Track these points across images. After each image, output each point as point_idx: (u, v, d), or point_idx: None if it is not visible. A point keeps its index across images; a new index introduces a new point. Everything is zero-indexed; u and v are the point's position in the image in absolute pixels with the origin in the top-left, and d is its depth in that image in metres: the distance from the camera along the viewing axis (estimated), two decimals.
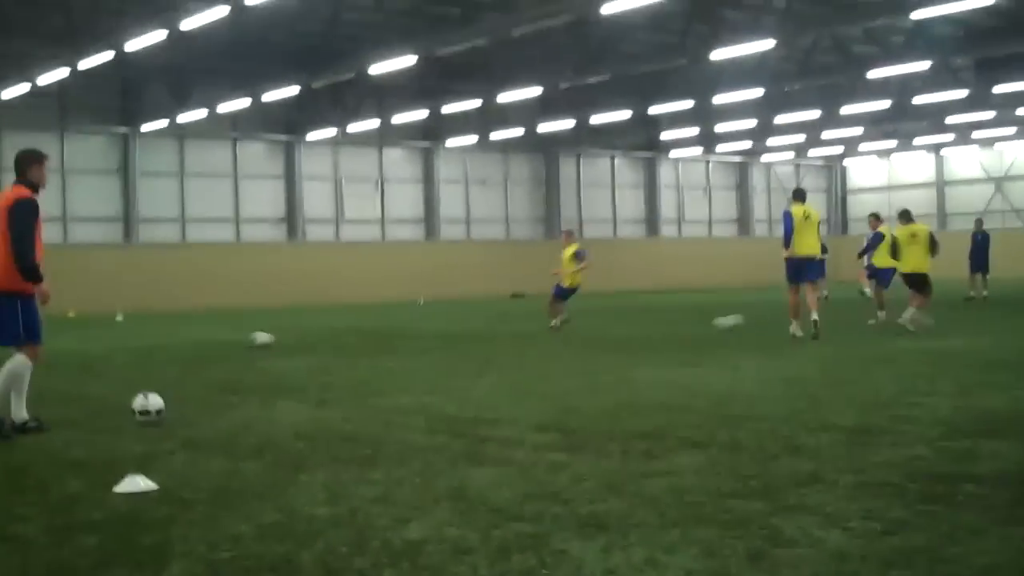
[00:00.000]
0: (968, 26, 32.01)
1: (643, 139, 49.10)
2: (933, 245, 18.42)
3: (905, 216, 19.22)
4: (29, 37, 30.01)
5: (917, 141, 51.13)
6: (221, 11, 22.35)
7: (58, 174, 35.88)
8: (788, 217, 16.76)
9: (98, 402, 10.82)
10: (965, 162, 55.30)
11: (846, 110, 39.89)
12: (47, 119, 36.56)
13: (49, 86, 31.58)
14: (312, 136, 41.57)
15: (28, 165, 8.86)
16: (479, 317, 27.00)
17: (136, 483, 6.32)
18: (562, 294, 21.08)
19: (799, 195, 17.37)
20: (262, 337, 18.01)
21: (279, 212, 42.74)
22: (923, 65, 31.61)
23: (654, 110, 39.46)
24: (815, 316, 16.26)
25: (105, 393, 11.70)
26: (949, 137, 50.37)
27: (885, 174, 58.76)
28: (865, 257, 21.58)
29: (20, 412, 8.67)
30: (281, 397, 10.78)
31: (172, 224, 40.37)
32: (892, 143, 52.57)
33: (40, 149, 9.20)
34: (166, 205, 40.09)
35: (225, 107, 34.73)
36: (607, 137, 47.90)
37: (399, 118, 38.52)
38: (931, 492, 5.70)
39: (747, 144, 49.74)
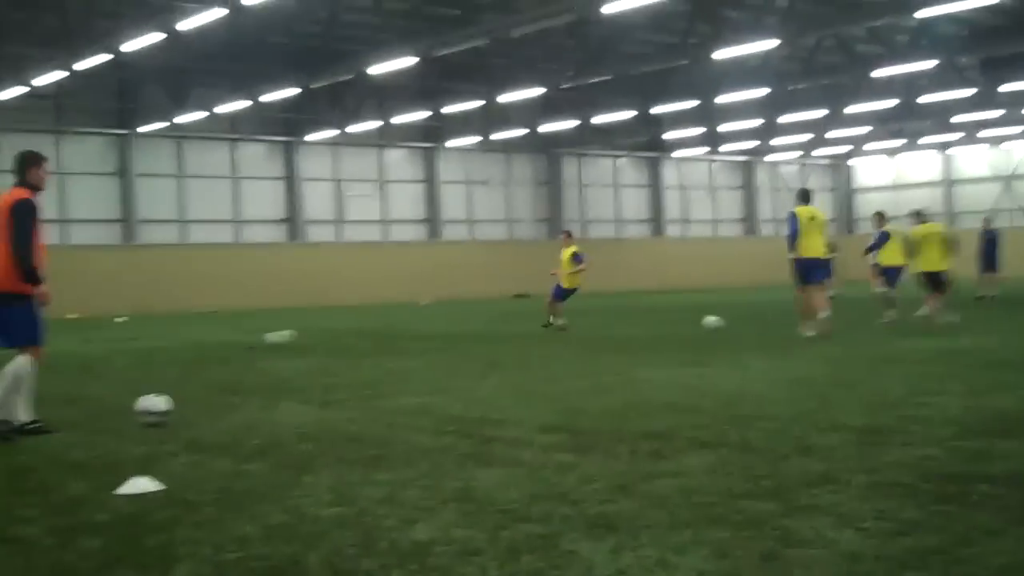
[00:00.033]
0: (973, 25, 32.01)
1: (646, 139, 49.13)
2: (951, 243, 18.48)
3: (919, 215, 19.20)
4: (25, 39, 30.05)
5: (923, 140, 51.16)
6: (219, 12, 22.38)
7: (55, 176, 35.90)
8: (793, 219, 16.76)
9: (99, 404, 10.82)
10: (972, 161, 55.32)
11: (851, 109, 39.92)
12: (43, 121, 36.61)
13: (45, 88, 31.61)
14: (312, 137, 41.62)
15: (28, 167, 8.88)
16: (482, 318, 26.99)
17: (140, 485, 6.31)
18: (561, 295, 21.11)
19: (804, 196, 17.36)
20: (279, 336, 18.14)
21: (279, 213, 42.78)
22: (928, 64, 31.62)
23: (657, 110, 39.50)
24: (824, 314, 16.31)
25: (106, 394, 11.70)
26: (956, 136, 50.40)
27: (892, 173, 58.80)
28: (871, 255, 21.54)
29: (23, 414, 8.66)
30: (284, 398, 10.78)
31: (171, 226, 40.42)
32: (899, 142, 52.59)
33: (38, 151, 9.22)
34: (165, 207, 40.14)
35: (224, 108, 34.76)
36: (610, 137, 47.92)
37: (400, 119, 38.56)
38: (944, 492, 5.67)
39: (752, 144, 49.76)
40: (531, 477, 6.40)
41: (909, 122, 45.91)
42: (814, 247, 16.78)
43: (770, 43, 28.12)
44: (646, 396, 10.00)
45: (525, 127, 41.70)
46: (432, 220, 46.43)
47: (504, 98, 34.46)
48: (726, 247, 54.53)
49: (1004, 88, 36.17)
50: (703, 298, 35.81)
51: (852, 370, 11.87)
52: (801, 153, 55.78)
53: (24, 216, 8.57)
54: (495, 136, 43.19)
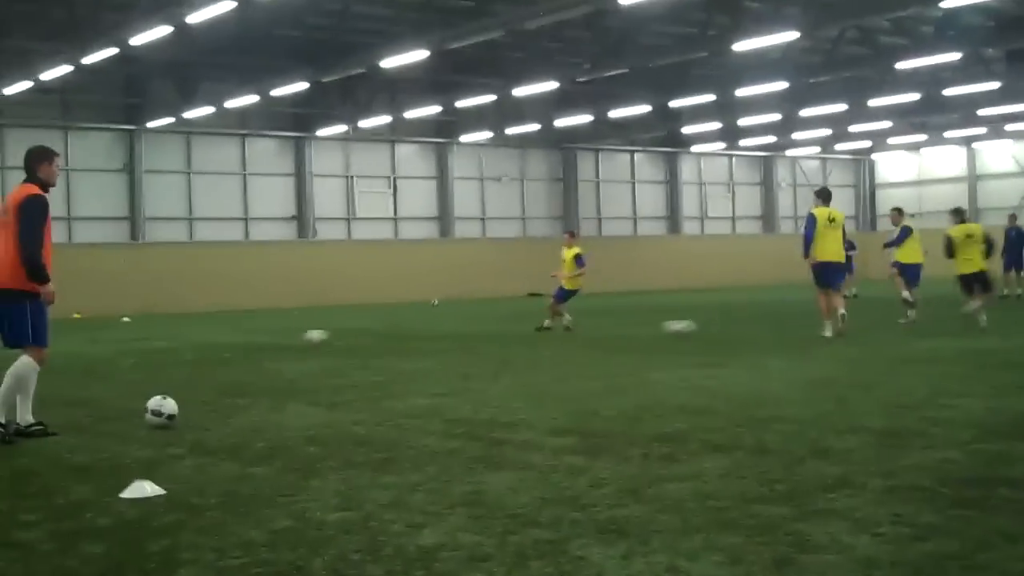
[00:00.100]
0: (999, 16, 31.84)
1: (664, 134, 49.03)
2: (989, 244, 18.40)
3: (958, 214, 19.06)
4: (31, 33, 30.13)
5: (948, 134, 50.92)
6: (228, 5, 22.39)
7: (62, 173, 35.95)
8: (811, 221, 16.73)
9: (104, 406, 10.86)
10: (997, 156, 55.07)
11: (874, 103, 39.76)
12: (50, 116, 36.72)
13: (52, 83, 31.71)
14: (322, 132, 41.65)
15: (38, 163, 8.91)
16: (495, 317, 27.01)
17: (143, 489, 6.34)
18: (563, 296, 21.05)
19: (824, 196, 17.32)
20: (316, 335, 18.24)
21: (289, 210, 42.83)
22: (953, 56, 31.49)
23: (675, 104, 39.43)
24: (842, 311, 16.34)
25: (111, 397, 11.75)
26: (981, 130, 50.15)
27: (915, 168, 58.56)
28: (889, 252, 21.35)
29: (25, 416, 8.71)
30: (292, 400, 10.81)
31: (179, 223, 40.50)
32: (922, 136, 52.36)
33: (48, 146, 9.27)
34: (173, 204, 40.22)
35: (233, 103, 34.82)
36: (626, 132, 47.83)
37: (412, 113, 38.56)
38: (964, 496, 5.67)
39: (771, 138, 49.60)
40: (541, 481, 6.41)
41: (933, 116, 45.70)
42: (833, 250, 16.75)
43: (791, 35, 28.01)
44: (660, 398, 10.01)
45: (540, 122, 41.64)
46: (444, 217, 46.42)
47: (519, 92, 34.42)
48: (744, 245, 54.38)
49: None
50: (720, 297, 35.77)
51: (871, 371, 11.86)
52: (822, 148, 55.59)
53: (34, 213, 8.61)
54: (509, 131, 43.13)
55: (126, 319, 30.93)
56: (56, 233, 9.10)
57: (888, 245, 21.15)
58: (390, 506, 5.87)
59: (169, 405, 9.11)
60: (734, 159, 56.02)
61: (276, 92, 33.25)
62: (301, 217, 42.89)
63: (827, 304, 16.65)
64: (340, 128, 40.70)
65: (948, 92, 38.35)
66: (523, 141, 46.89)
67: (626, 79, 35.99)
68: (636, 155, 52.51)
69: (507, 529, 5.29)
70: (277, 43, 32.56)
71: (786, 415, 8.63)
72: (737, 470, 6.53)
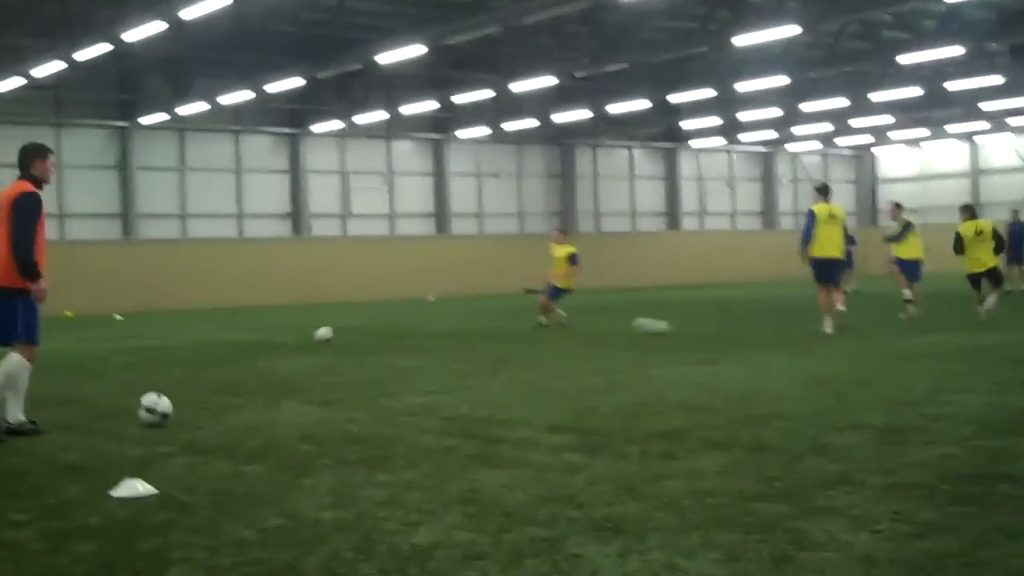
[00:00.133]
0: (1002, 9, 31.84)
1: (663, 129, 49.01)
2: (999, 241, 18.42)
3: (968, 210, 19.03)
4: (22, 28, 30.08)
5: (950, 129, 50.90)
6: (222, 0, 22.37)
7: (54, 169, 35.93)
8: (811, 217, 16.74)
9: (95, 405, 10.85)
10: (1000, 150, 55.06)
11: (876, 97, 39.74)
12: (42, 113, 36.69)
13: (44, 79, 31.64)
14: (318, 129, 41.62)
15: (32, 159, 8.94)
16: (491, 314, 27.01)
17: (135, 487, 6.34)
18: (556, 294, 20.99)
19: (824, 191, 17.32)
20: (323, 333, 18.26)
21: (284, 207, 42.81)
22: (956, 50, 31.45)
23: (674, 99, 39.38)
24: (840, 307, 16.37)
25: (102, 395, 11.74)
26: (984, 125, 50.14)
27: (917, 163, 58.56)
28: (888, 247, 21.26)
29: (16, 414, 8.70)
30: (286, 398, 10.81)
31: (173, 220, 40.48)
32: (924, 131, 52.34)
33: (43, 143, 9.29)
34: (166, 201, 40.19)
35: (227, 99, 34.78)
36: (625, 127, 47.82)
37: (408, 109, 38.53)
38: (964, 493, 5.67)
39: (772, 134, 49.59)
40: (537, 479, 6.42)
41: (935, 110, 45.65)
42: (833, 246, 16.75)
43: (792, 29, 27.97)
44: (659, 394, 10.01)
45: (537, 118, 41.60)
46: (441, 214, 46.40)
47: (516, 87, 34.38)
48: (744, 241, 54.36)
49: None
50: (720, 293, 35.78)
51: (871, 367, 11.87)
52: (823, 143, 55.57)
53: (27, 210, 8.63)
54: (506, 127, 43.10)
55: (118, 317, 30.90)
56: (48, 230, 9.10)
57: (889, 240, 21.05)
58: (384, 504, 5.88)
59: (164, 403, 9.11)
60: (734, 154, 56.02)
61: (271, 88, 33.21)
62: (296, 214, 42.87)
63: (827, 300, 16.66)
64: (335, 124, 40.66)
65: (950, 86, 38.32)
66: (520, 137, 46.89)
67: (625, 74, 35.95)
68: (635, 151, 52.49)
69: (503, 527, 5.29)
70: (272, 39, 32.53)
71: (785, 412, 8.63)
72: (735, 467, 6.54)
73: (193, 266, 38.55)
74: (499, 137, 45.93)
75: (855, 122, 46.83)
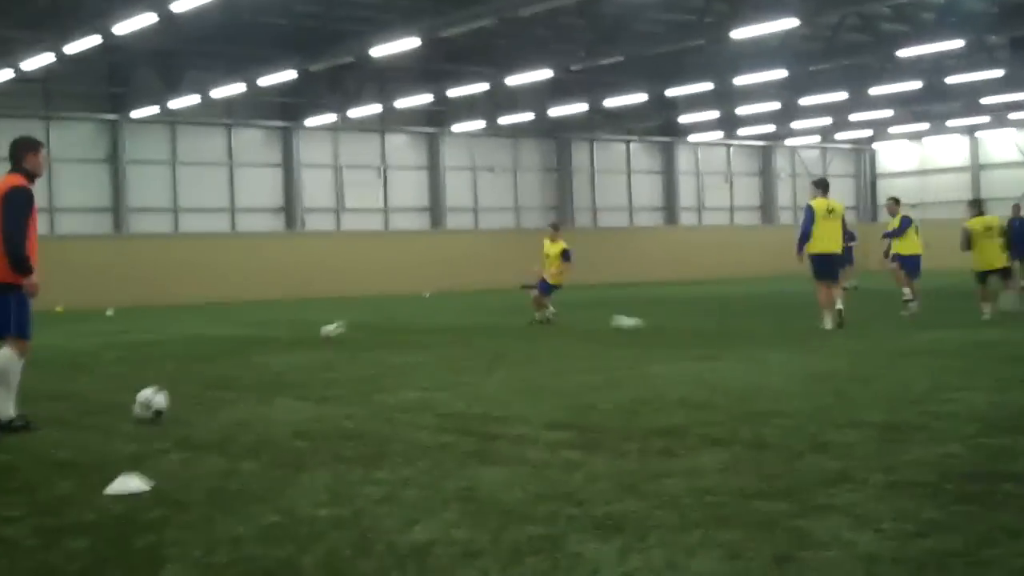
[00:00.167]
0: (1003, 2, 31.86)
1: (660, 123, 49.02)
2: (1007, 237, 18.42)
3: (976, 205, 18.97)
4: (11, 21, 29.99)
5: (950, 123, 50.96)
6: None
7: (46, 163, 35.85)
8: (809, 214, 16.73)
9: (88, 400, 10.86)
10: (1001, 145, 55.12)
11: (875, 91, 39.76)
12: (32, 106, 36.62)
13: (34, 72, 31.60)
14: (311, 122, 41.58)
15: (24, 153, 8.94)
16: (488, 310, 27.01)
17: (128, 484, 6.33)
18: (547, 289, 21.00)
19: (822, 186, 17.30)
20: (331, 329, 18.30)
21: (276, 201, 42.78)
22: (956, 43, 31.49)
23: (671, 92, 39.38)
24: (839, 305, 16.37)
25: (95, 390, 11.75)
26: (984, 119, 50.21)
27: (917, 158, 58.62)
28: (886, 242, 21.21)
29: (7, 410, 8.69)
30: (280, 394, 10.81)
31: (164, 215, 40.43)
32: (924, 125, 52.39)
33: (34, 137, 9.29)
34: (158, 195, 40.15)
35: (219, 92, 34.72)
36: (622, 121, 47.83)
37: (402, 103, 38.48)
38: (966, 492, 5.68)
39: (770, 128, 49.61)
40: (536, 476, 6.42)
41: (935, 104, 45.72)
42: (831, 241, 16.74)
43: (790, 22, 27.97)
44: (658, 391, 10.02)
45: (533, 111, 41.59)
46: (436, 208, 46.39)
47: (511, 81, 34.37)
48: (743, 236, 54.42)
49: None
50: (718, 289, 35.80)
51: (872, 364, 11.88)
52: (822, 137, 55.61)
53: (19, 204, 8.63)
54: (502, 121, 43.08)
55: (110, 312, 30.88)
56: (38, 224, 9.09)
57: (888, 236, 21.00)
58: (381, 501, 5.87)
59: (160, 400, 9.10)
60: (732, 149, 56.05)
61: (263, 81, 33.16)
62: (289, 208, 42.84)
63: (827, 296, 16.66)
64: (329, 118, 40.62)
65: (951, 80, 38.37)
66: (516, 130, 46.86)
67: (621, 67, 35.95)
68: (632, 145, 52.50)
69: (501, 525, 5.29)
70: (264, 31, 32.48)
71: (785, 409, 8.64)
72: (736, 465, 6.54)
73: (185, 261, 38.54)
74: (494, 131, 45.92)
75: (854, 116, 46.88)
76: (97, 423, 9.22)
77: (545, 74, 33.70)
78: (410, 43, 28.21)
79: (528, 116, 42.15)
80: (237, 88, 33.96)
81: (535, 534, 5.09)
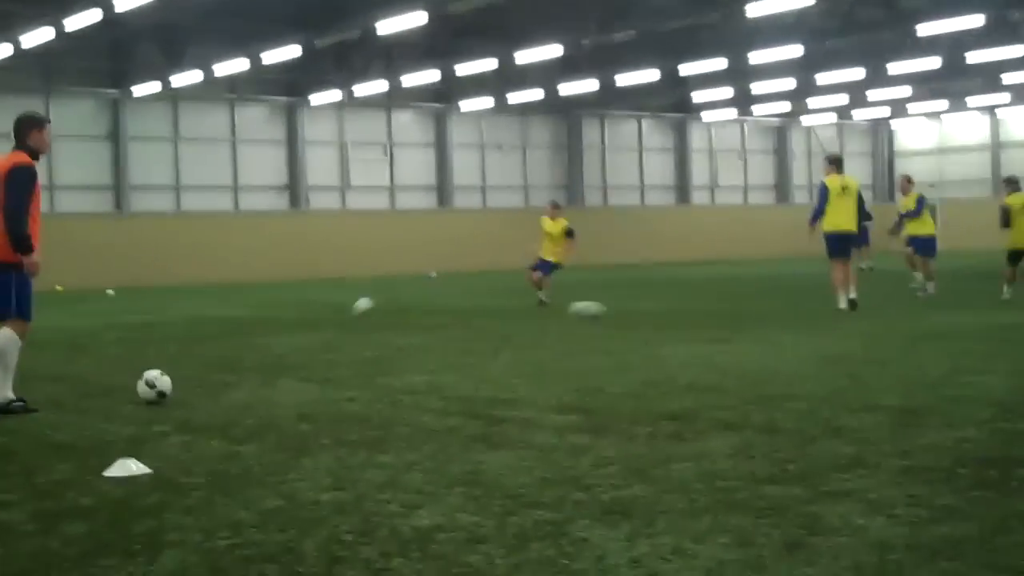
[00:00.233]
0: None
1: (673, 100, 48.90)
2: None
3: (1013, 183, 18.84)
4: None
5: (970, 101, 50.76)
6: None
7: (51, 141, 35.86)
8: (824, 192, 16.67)
9: (87, 382, 10.88)
10: (1022, 123, 54.92)
11: (893, 68, 39.61)
12: (32, 82, 36.65)
13: (34, 47, 31.62)
14: (316, 99, 41.56)
15: (28, 130, 8.94)
16: (495, 291, 27.02)
17: (128, 467, 6.35)
18: (549, 269, 20.99)
19: (836, 163, 17.22)
20: (363, 304, 18.41)
21: (281, 179, 42.79)
22: (977, 19, 31.34)
23: (685, 69, 39.27)
24: (853, 295, 16.33)
25: (94, 372, 11.77)
26: (1005, 97, 49.99)
27: (935, 136, 58.44)
28: (901, 224, 21.00)
29: (5, 392, 8.71)
30: (283, 376, 10.82)
31: (166, 193, 40.48)
32: (943, 103, 52.18)
33: (39, 113, 9.30)
34: (159, 173, 40.19)
35: (222, 68, 34.72)
36: (633, 98, 47.72)
37: (409, 79, 38.44)
38: (982, 477, 5.67)
39: (786, 105, 49.49)
40: (542, 460, 6.41)
41: (955, 82, 45.55)
42: (845, 219, 16.66)
43: None
44: (668, 374, 10.01)
45: (543, 88, 41.53)
46: (443, 187, 46.38)
47: (521, 57, 34.32)
48: (757, 215, 54.34)
49: None
50: (732, 270, 35.77)
51: (887, 347, 11.86)
52: (838, 115, 55.44)
53: (22, 182, 8.65)
54: (511, 97, 43.03)
55: (110, 292, 30.95)
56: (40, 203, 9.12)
57: (905, 217, 20.75)
58: (385, 486, 5.88)
59: (164, 382, 9.12)
60: (746, 126, 55.91)
61: (267, 57, 33.15)
62: (293, 186, 42.85)
63: (841, 275, 16.60)
64: (334, 94, 40.59)
65: (971, 57, 38.19)
66: (525, 108, 46.78)
67: (634, 43, 35.86)
68: (644, 122, 52.40)
69: (507, 510, 5.29)
70: (268, 5, 32.47)
71: (798, 392, 8.63)
72: (747, 449, 6.53)
73: (187, 240, 38.60)
74: (503, 108, 45.84)
75: (872, 94, 46.72)
76: (96, 405, 9.24)
77: (555, 50, 33.62)
78: (417, 18, 28.17)
79: (537, 93, 42.07)
80: (241, 64, 33.95)
81: (541, 519, 5.09)
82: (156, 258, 37.55)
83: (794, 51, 35.44)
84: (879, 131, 60.29)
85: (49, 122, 9.24)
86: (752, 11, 28.95)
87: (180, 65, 35.98)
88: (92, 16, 27.13)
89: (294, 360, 12.31)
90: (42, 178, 8.72)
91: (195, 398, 9.39)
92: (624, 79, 40.30)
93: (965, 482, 5.57)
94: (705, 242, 50.04)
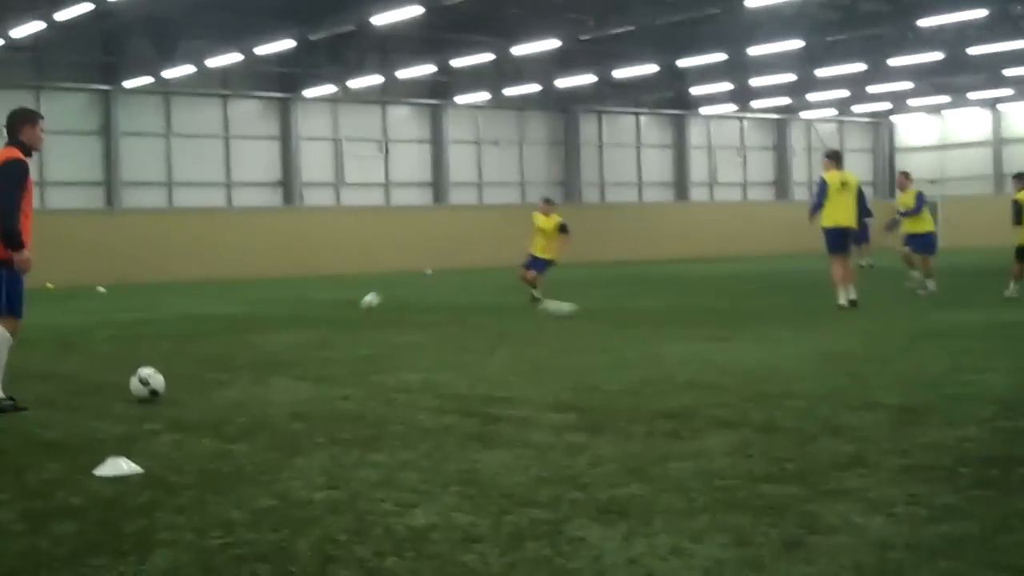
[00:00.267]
0: None
1: (671, 95, 48.92)
2: None
3: (1022, 179, 18.83)
4: None
5: (972, 96, 50.80)
6: None
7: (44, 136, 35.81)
8: (823, 187, 16.69)
9: (78, 380, 10.87)
10: None
11: (894, 62, 39.64)
12: (22, 76, 36.60)
13: (24, 40, 31.60)
14: (310, 93, 41.52)
15: (21, 125, 8.94)
16: (491, 288, 27.02)
17: (119, 466, 6.34)
18: (543, 266, 20.97)
19: (835, 158, 17.23)
20: (370, 299, 18.43)
21: (274, 175, 42.76)
22: (979, 13, 31.37)
23: (683, 63, 39.28)
24: (853, 295, 16.37)
25: (85, 370, 11.76)
26: (1007, 91, 50.04)
27: (937, 132, 58.47)
28: (899, 221, 20.97)
29: None
30: (276, 374, 10.82)
31: (158, 189, 40.45)
32: (945, 98, 52.25)
33: (31, 108, 9.30)
34: (151, 168, 40.14)
35: (215, 62, 34.70)
36: (631, 93, 47.74)
37: (404, 73, 38.44)
38: (983, 476, 5.68)
39: (785, 100, 49.50)
40: (539, 459, 6.42)
41: (957, 76, 45.60)
42: (845, 215, 16.68)
43: None
44: (666, 372, 10.02)
45: (540, 82, 41.54)
46: (438, 183, 46.36)
47: (517, 51, 34.32)
48: (756, 212, 54.35)
49: None
50: (731, 267, 35.78)
51: (887, 345, 11.87)
52: (838, 110, 55.46)
53: (13, 177, 8.64)
54: (507, 92, 43.02)
55: (101, 289, 30.93)
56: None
57: (905, 215, 20.70)
58: (379, 485, 5.88)
59: (158, 380, 9.12)
60: (745, 122, 55.92)
61: (261, 50, 33.12)
62: (287, 182, 42.82)
63: (841, 271, 16.62)
64: (328, 89, 40.57)
65: (973, 51, 38.22)
66: (522, 103, 46.77)
67: (631, 37, 35.85)
68: (642, 117, 52.40)
69: (502, 509, 5.29)
70: None
71: (797, 390, 8.64)
72: (745, 448, 6.54)
73: (180, 237, 38.57)
74: (499, 103, 45.83)
75: (872, 88, 46.74)
76: (87, 404, 9.23)
77: (552, 44, 33.64)
78: (412, 11, 28.15)
79: (534, 87, 42.07)
80: (233, 57, 33.94)
81: (537, 518, 5.09)
82: (148, 255, 37.51)
83: (794, 45, 35.49)
84: (880, 126, 60.33)
85: (42, 118, 9.23)
86: (752, 4, 28.95)
87: (172, 59, 35.96)
88: (83, 8, 27.11)
89: (288, 358, 12.32)
90: (33, 174, 8.70)
91: (187, 396, 9.38)
92: (622, 73, 40.34)
93: (966, 481, 5.58)
94: (704, 239, 50.05)
